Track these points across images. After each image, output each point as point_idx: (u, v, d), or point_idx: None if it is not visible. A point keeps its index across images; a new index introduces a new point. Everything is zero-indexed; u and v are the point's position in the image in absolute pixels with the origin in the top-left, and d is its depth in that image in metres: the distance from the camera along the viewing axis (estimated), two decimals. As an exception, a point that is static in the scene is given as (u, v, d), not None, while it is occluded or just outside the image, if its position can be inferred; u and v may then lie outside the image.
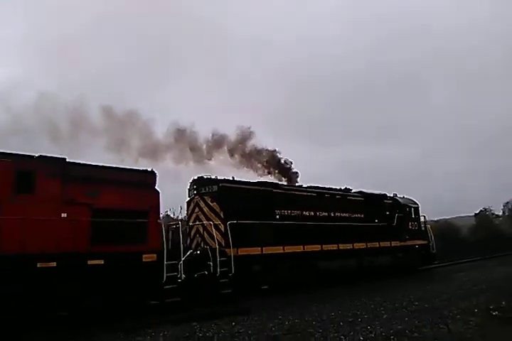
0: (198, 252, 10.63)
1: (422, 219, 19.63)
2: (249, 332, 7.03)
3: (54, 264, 7.89)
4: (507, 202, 51.22)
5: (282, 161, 16.44)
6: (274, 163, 16.20)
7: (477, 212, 49.39)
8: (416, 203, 19.65)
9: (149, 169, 10.02)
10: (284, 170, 16.35)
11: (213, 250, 10.59)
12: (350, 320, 7.72)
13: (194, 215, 11.83)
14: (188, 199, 12.37)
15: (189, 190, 12.36)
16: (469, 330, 6.66)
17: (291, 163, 17.30)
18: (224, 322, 7.91)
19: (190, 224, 11.85)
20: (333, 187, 16.36)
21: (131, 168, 9.94)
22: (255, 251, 11.47)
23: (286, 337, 6.62)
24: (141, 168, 9.99)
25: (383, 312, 8.47)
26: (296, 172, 16.67)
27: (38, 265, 7.73)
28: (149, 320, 8.16)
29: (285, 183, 15.80)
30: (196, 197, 11.89)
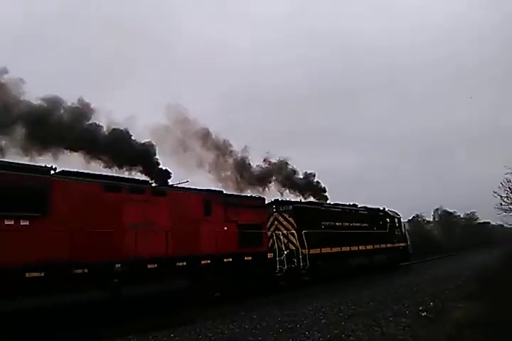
0: (287, 252, 15.52)
1: (402, 226, 26.02)
2: None
3: (230, 259, 12.51)
4: (437, 209, 56.03)
5: (315, 183, 21.64)
6: (311, 186, 21.37)
7: (410, 218, 51.55)
8: (399, 215, 25.97)
9: (261, 196, 14.89)
10: (317, 190, 21.64)
11: (297, 250, 15.59)
12: (289, 326, 7.99)
13: (274, 226, 16.71)
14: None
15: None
16: (401, 331, 7.01)
17: (314, 175, 22.35)
18: (162, 334, 7.82)
19: (270, 232, 16.67)
20: (346, 203, 22.01)
21: (253, 195, 14.72)
22: (318, 251, 16.61)
23: None
24: (257, 195, 14.82)
25: (322, 317, 8.85)
26: (324, 188, 22.06)
27: (224, 260, 12.33)
28: (82, 335, 7.68)
29: (315, 200, 21.06)
30: (275, 213, 16.81)
